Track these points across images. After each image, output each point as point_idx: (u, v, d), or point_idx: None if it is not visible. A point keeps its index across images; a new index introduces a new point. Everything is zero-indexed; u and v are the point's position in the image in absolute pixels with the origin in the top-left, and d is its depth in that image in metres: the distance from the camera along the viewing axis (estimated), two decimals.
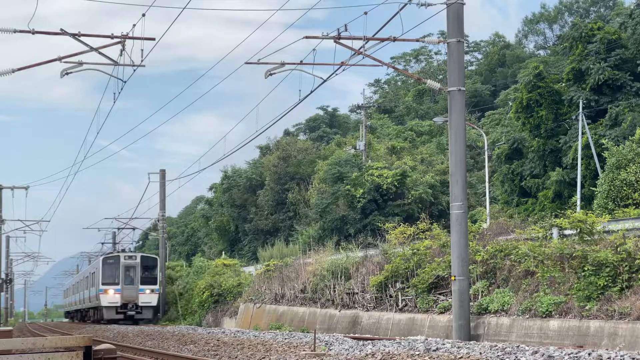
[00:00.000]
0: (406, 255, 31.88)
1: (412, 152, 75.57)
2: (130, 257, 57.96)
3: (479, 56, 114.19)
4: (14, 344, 9.48)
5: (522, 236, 27.59)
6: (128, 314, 56.53)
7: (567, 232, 25.82)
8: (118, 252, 63.12)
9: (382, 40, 26.06)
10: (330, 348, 17.73)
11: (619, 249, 22.03)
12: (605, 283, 21.73)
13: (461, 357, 13.68)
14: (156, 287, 57.67)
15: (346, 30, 25.63)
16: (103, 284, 56.85)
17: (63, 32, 25.83)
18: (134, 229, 73.26)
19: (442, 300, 28.77)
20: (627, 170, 40.49)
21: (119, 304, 56.48)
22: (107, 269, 57.35)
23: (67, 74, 26.58)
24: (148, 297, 56.99)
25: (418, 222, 34.82)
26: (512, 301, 24.78)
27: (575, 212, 28.88)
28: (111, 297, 56.53)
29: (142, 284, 56.95)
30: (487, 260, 27.33)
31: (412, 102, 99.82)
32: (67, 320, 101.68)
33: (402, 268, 31.62)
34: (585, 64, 57.52)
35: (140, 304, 56.76)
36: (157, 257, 60.06)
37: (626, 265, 21.63)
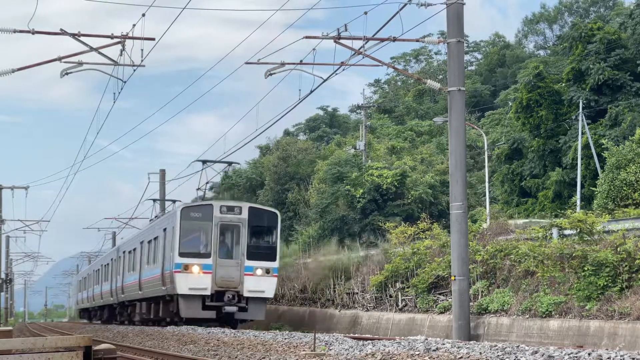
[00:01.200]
0: (406, 255, 31.92)
1: (412, 152, 75.60)
2: (230, 208, 34.03)
3: (479, 56, 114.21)
4: (14, 344, 9.49)
5: (523, 236, 27.62)
6: (225, 310, 33.04)
7: (567, 232, 25.84)
8: (208, 199, 39.28)
9: (382, 40, 26.10)
10: (330, 348, 17.74)
11: (618, 249, 22.05)
12: (605, 283, 21.74)
13: (461, 357, 13.69)
14: (274, 265, 33.93)
15: (346, 30, 25.67)
16: (182, 254, 33.29)
17: (63, 32, 25.86)
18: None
19: (442, 300, 28.80)
20: (627, 170, 40.49)
21: (208, 292, 33.02)
22: (189, 229, 34.05)
23: (67, 74, 26.61)
24: (259, 282, 33.34)
25: (419, 221, 34.92)
26: (512, 301, 24.81)
27: (575, 212, 28.92)
28: (196, 279, 33.04)
29: (250, 258, 33.54)
30: (487, 260, 27.36)
31: (412, 102, 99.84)
32: (83, 320, 79.72)
33: (402, 268, 31.66)
34: (585, 64, 57.55)
35: (246, 294, 33.22)
36: (276, 212, 35.66)
37: (626, 266, 21.65)
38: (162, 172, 59.79)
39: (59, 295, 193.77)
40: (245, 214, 33.76)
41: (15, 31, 25.35)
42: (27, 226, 69.04)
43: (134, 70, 26.78)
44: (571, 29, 68.08)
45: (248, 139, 34.52)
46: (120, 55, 26.10)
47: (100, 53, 26.13)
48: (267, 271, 33.38)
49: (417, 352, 14.75)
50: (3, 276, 71.92)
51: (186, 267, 32.86)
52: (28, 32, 25.56)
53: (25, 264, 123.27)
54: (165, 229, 35.83)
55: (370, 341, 18.41)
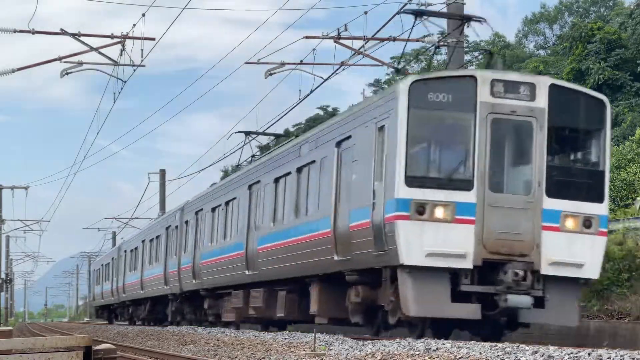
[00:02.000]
0: None
1: None
2: (512, 85, 16.04)
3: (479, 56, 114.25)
4: (14, 344, 9.49)
5: None
6: (507, 302, 15.96)
7: None
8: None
9: (382, 40, 26.11)
10: (330, 348, 17.72)
11: (620, 247, 22.10)
12: (609, 280, 21.75)
13: (461, 357, 13.67)
14: (601, 209, 16.61)
15: (346, 30, 25.69)
16: (411, 181, 15.73)
17: (63, 32, 25.89)
18: None
19: None
20: (627, 170, 40.53)
21: (469, 264, 15.77)
22: (424, 129, 16.25)
23: (67, 74, 26.66)
24: (573, 244, 16.25)
25: None
26: None
27: None
28: (441, 234, 15.67)
29: (552, 194, 16.18)
30: None
31: None
32: (99, 321, 68.26)
33: None
34: (585, 64, 57.60)
35: (544, 271, 16.01)
36: (604, 99, 17.05)
37: (627, 264, 21.68)
38: (162, 172, 59.79)
39: (59, 295, 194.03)
40: (543, 100, 16.43)
41: (15, 31, 25.39)
42: (27, 226, 69.20)
43: (134, 70, 26.88)
44: (571, 29, 68.14)
45: (248, 139, 34.40)
46: (121, 55, 26.20)
47: (100, 53, 26.19)
48: (587, 223, 16.61)
49: (417, 352, 14.73)
50: (3, 276, 71.97)
51: (420, 210, 15.90)
52: (28, 32, 25.60)
53: (25, 264, 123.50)
54: (344, 141, 18.66)
55: (370, 341, 18.40)
